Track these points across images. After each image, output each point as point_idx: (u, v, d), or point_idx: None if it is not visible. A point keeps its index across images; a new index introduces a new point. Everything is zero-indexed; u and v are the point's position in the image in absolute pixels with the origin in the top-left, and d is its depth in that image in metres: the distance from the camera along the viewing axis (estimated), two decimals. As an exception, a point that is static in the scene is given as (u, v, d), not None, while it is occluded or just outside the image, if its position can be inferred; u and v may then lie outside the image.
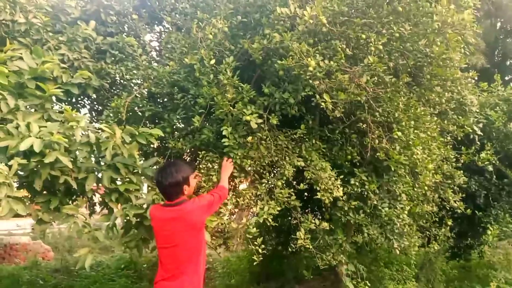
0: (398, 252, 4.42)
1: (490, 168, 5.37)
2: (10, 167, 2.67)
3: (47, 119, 3.21)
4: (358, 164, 4.25)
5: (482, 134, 5.35)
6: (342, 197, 3.86)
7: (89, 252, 3.20)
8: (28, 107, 3.24)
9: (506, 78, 15.77)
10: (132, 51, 4.17)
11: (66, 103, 4.51)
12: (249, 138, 3.58)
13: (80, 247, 3.32)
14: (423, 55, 3.82)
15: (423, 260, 6.45)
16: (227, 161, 3.50)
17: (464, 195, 5.10)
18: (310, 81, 3.31)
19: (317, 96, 3.33)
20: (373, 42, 3.31)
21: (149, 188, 3.69)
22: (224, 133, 3.49)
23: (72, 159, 2.98)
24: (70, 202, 3.44)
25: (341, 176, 3.94)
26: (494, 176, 5.80)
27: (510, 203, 6.10)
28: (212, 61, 3.50)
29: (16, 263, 9.32)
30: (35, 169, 2.96)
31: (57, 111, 3.41)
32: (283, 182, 3.82)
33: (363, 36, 3.42)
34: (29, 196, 3.25)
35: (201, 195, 3.04)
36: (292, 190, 3.87)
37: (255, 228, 3.68)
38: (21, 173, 2.97)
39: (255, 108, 3.52)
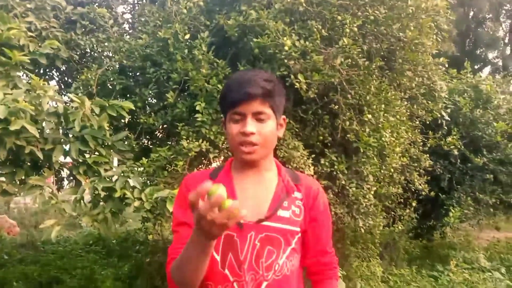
0: (363, 231, 4.55)
1: (456, 152, 5.53)
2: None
3: (13, 88, 3.08)
4: (329, 144, 4.31)
5: (449, 119, 5.49)
6: (312, 176, 3.92)
7: (55, 224, 3.12)
8: (-9, 74, 3.11)
9: (476, 66, 16.20)
10: (104, 22, 4.04)
11: (34, 74, 4.35)
12: (223, 115, 3.56)
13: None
14: (396, 39, 3.86)
15: (387, 239, 6.65)
16: None
17: (429, 178, 5.24)
18: (285, 61, 3.31)
19: (292, 76, 3.34)
20: (349, 24, 3.33)
21: (119, 162, 3.65)
22: (197, 108, 3.46)
23: (39, 130, 2.89)
24: (37, 175, 3.36)
25: (313, 155, 4.00)
26: (459, 161, 5.99)
27: (472, 186, 6.32)
28: (187, 36, 3.44)
29: (-21, 238, 9.07)
30: (-1, 137, 2.86)
31: (24, 81, 3.29)
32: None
33: (339, 17, 3.42)
34: (-7, 168, 3.16)
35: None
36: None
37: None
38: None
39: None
